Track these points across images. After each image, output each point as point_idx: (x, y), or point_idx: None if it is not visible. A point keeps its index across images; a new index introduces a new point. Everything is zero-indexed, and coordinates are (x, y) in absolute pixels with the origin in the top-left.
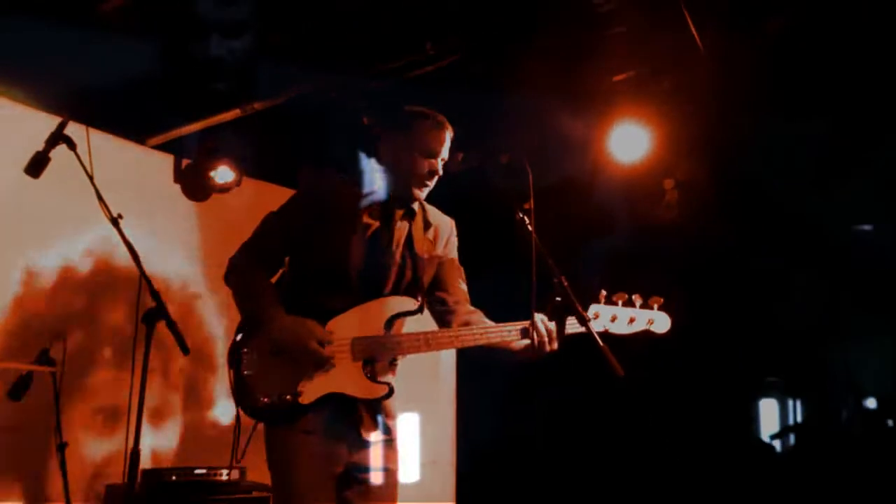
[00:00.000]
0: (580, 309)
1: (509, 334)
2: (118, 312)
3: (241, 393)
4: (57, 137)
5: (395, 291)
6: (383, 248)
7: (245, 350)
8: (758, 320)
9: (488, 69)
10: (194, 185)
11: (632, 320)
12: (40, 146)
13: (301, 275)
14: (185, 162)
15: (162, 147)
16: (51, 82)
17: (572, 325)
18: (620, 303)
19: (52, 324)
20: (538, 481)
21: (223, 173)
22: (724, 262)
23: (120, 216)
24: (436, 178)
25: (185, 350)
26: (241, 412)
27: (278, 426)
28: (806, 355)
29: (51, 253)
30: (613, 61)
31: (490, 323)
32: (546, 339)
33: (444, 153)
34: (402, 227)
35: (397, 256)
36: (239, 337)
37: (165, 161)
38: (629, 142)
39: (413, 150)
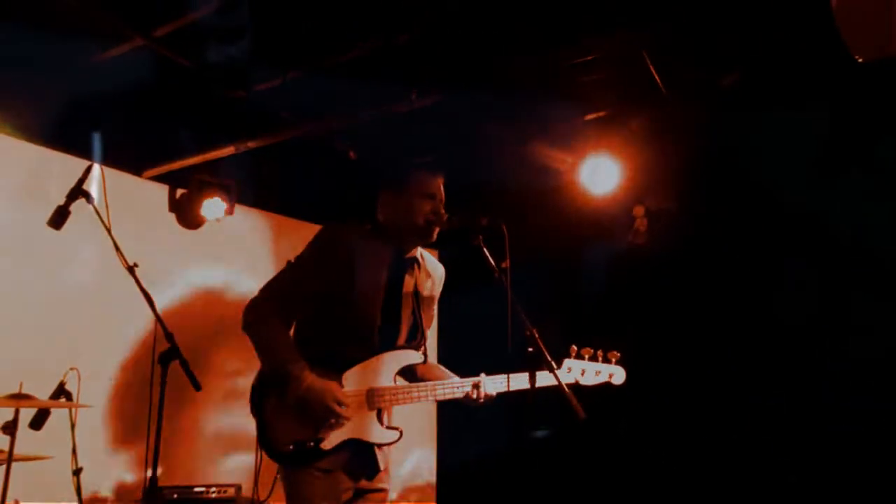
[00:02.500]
0: (549, 359)
1: (464, 389)
2: (137, 349)
3: (264, 437)
4: (77, 191)
5: (407, 340)
6: (399, 301)
7: (267, 398)
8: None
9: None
10: (188, 214)
11: (597, 373)
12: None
13: (321, 324)
14: (179, 192)
15: (157, 178)
16: (47, 114)
17: (543, 378)
18: (587, 357)
19: (69, 357)
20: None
21: (215, 204)
22: (693, 286)
23: (135, 265)
24: (438, 221)
25: (196, 387)
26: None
27: (298, 467)
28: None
29: (70, 287)
30: (586, 102)
31: (455, 378)
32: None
33: (442, 195)
34: (409, 279)
35: (410, 308)
36: (258, 384)
37: (161, 191)
38: (601, 174)
39: (412, 199)
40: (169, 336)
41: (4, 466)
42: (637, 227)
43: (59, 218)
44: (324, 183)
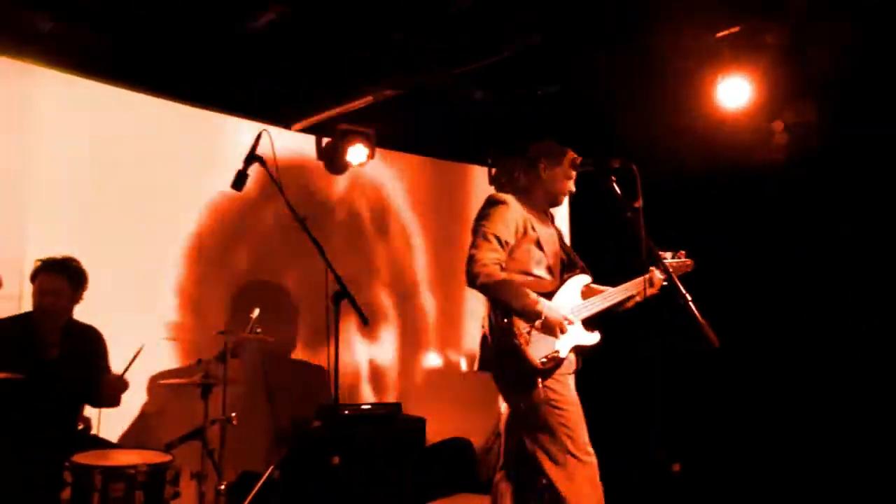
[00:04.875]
0: (682, 290)
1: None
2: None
3: (519, 360)
4: (252, 157)
5: (568, 270)
6: (556, 243)
7: (518, 332)
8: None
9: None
10: (334, 160)
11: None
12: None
13: (517, 269)
14: (325, 141)
15: (305, 130)
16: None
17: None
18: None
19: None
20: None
21: (358, 150)
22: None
23: (306, 217)
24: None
25: (364, 321)
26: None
27: (549, 376)
28: None
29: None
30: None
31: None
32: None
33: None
34: (555, 227)
35: (562, 249)
36: (506, 321)
37: (308, 141)
38: (734, 92)
39: (564, 173)
40: (338, 279)
41: (222, 387)
42: (776, 143)
43: (239, 181)
44: (452, 124)
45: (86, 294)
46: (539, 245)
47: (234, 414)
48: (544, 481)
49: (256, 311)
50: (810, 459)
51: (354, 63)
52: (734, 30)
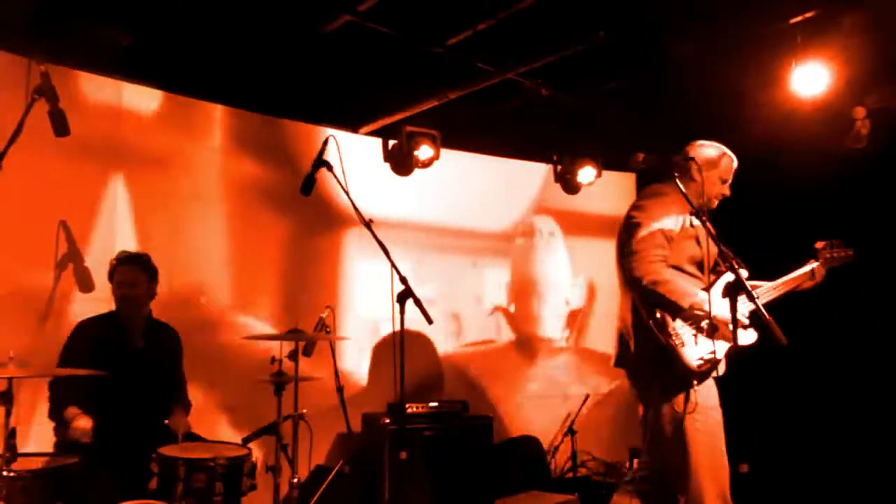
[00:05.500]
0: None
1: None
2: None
3: (673, 361)
4: (319, 161)
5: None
6: (708, 239)
7: (672, 329)
8: None
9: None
10: (400, 162)
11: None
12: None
13: (671, 264)
14: (391, 143)
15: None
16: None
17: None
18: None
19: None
20: None
21: (423, 151)
22: None
23: (371, 220)
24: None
25: (429, 321)
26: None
27: (704, 378)
28: None
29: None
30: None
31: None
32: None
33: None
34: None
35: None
36: (658, 317)
37: (374, 144)
38: (811, 78)
39: (718, 177)
40: (403, 280)
41: (293, 384)
42: (858, 130)
43: (307, 185)
44: (516, 122)
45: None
46: (697, 241)
47: (304, 410)
48: (683, 483)
49: (326, 311)
50: (882, 460)
51: (420, 65)
52: (810, 14)
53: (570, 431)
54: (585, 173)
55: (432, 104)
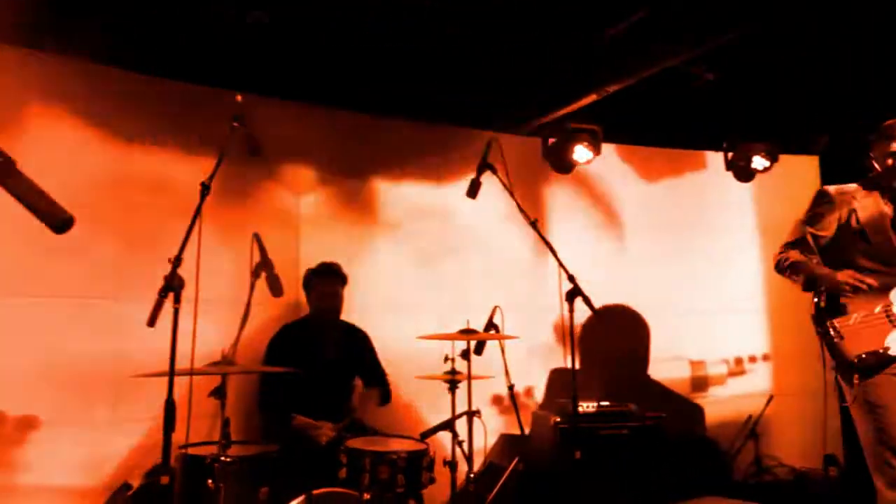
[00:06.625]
0: None
1: None
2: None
3: (835, 353)
4: (484, 165)
5: None
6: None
7: (833, 323)
8: None
9: None
10: (560, 160)
11: None
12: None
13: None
14: (550, 141)
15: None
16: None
17: None
18: None
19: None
20: None
21: (584, 148)
22: None
23: (536, 220)
24: None
25: (597, 316)
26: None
27: (872, 374)
28: None
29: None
30: None
31: None
32: None
33: None
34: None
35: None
36: (815, 309)
37: (534, 143)
38: None
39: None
40: (571, 277)
41: (466, 383)
42: None
43: (473, 189)
44: (682, 111)
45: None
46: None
47: (477, 408)
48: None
49: (497, 311)
50: None
51: (577, 62)
52: None
53: (753, 434)
54: (760, 159)
55: (591, 99)
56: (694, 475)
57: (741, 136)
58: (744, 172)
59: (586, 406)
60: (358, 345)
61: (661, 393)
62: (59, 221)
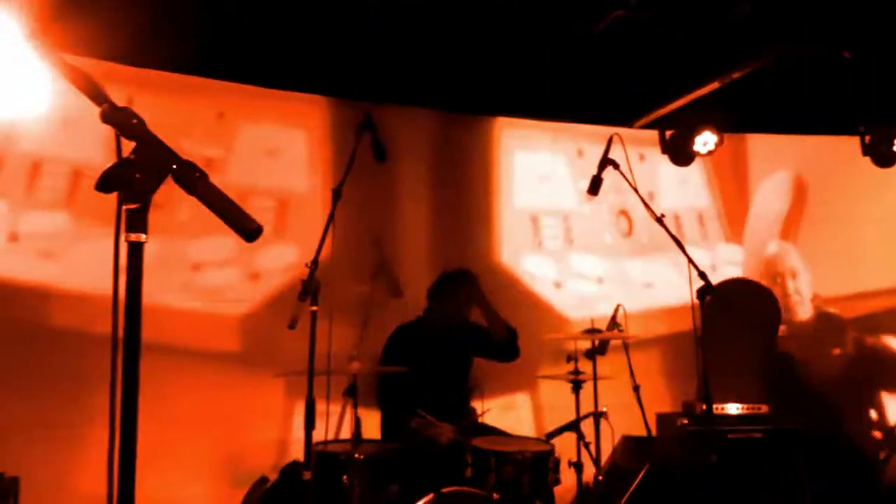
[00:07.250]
0: None
1: None
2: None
3: None
4: (605, 161)
5: None
6: None
7: None
8: None
9: None
10: (680, 152)
11: None
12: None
13: None
14: (668, 133)
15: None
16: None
17: None
18: None
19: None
20: None
21: (706, 137)
22: None
23: (662, 216)
24: None
25: (732, 317)
26: None
27: None
28: None
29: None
30: None
31: None
32: None
33: None
34: None
35: None
36: None
37: (652, 136)
38: None
39: None
40: (702, 274)
41: (592, 382)
42: None
43: (595, 186)
44: (815, 92)
45: None
46: None
47: (604, 409)
48: None
49: (621, 310)
50: None
51: (697, 49)
52: None
53: None
54: None
55: (713, 87)
56: (837, 484)
57: (881, 117)
58: (886, 157)
59: (717, 408)
60: (470, 339)
61: (800, 392)
62: (248, 231)
